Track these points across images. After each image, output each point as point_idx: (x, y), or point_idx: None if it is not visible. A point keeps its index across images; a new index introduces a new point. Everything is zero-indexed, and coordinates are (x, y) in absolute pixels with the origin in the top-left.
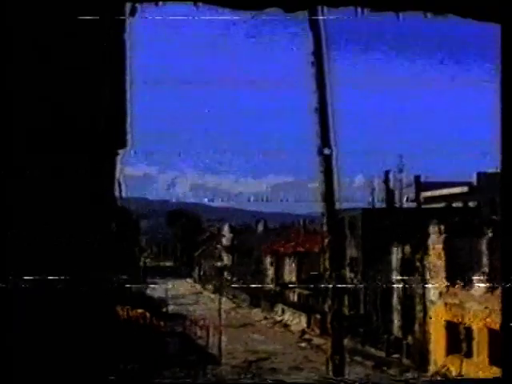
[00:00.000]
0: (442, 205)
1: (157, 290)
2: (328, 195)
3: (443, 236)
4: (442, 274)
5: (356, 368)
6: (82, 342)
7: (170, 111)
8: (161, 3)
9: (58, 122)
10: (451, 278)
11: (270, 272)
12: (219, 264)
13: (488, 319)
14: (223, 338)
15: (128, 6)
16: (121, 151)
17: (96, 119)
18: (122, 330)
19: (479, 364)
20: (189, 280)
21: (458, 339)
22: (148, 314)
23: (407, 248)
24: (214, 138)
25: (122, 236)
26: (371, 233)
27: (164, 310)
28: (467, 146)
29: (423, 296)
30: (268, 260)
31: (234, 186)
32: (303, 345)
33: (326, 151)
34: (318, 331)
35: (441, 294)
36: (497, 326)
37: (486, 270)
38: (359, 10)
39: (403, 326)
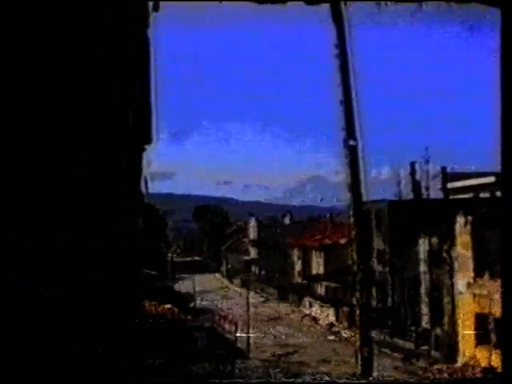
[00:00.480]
0: (468, 195)
1: (185, 284)
2: (354, 187)
3: (470, 227)
4: (470, 265)
5: (385, 360)
6: (110, 338)
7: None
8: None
9: (85, 120)
10: (479, 268)
11: (298, 265)
12: (246, 258)
13: None
14: (251, 331)
15: (151, 2)
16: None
17: (123, 116)
18: (150, 326)
19: None
20: (217, 274)
21: (487, 330)
22: (176, 309)
23: (434, 239)
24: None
25: (150, 231)
26: (398, 224)
27: (192, 304)
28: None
29: (451, 287)
30: (295, 253)
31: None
32: (331, 337)
33: (352, 143)
34: (346, 324)
35: (469, 284)
36: None
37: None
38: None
39: (431, 318)
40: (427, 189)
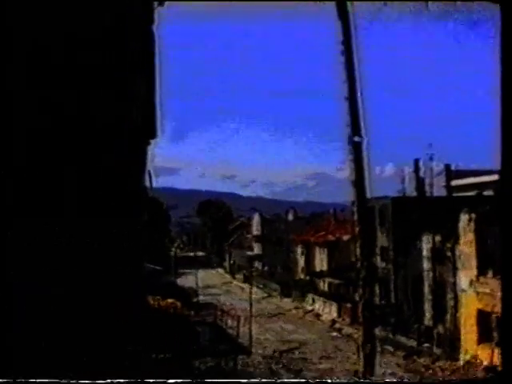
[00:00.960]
0: (472, 193)
1: (188, 279)
2: (358, 184)
3: (474, 224)
4: (473, 263)
5: (387, 357)
6: (114, 332)
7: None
8: None
9: (85, 119)
10: (482, 266)
11: (301, 261)
12: (249, 253)
13: None
14: (254, 327)
15: None
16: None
17: (126, 112)
18: (153, 320)
19: None
20: (219, 270)
21: (490, 328)
22: (179, 304)
23: (438, 237)
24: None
25: (153, 226)
26: (401, 222)
27: (195, 299)
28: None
29: (454, 285)
30: (299, 249)
31: (265, 175)
32: (334, 334)
33: (357, 139)
34: (348, 320)
35: (472, 282)
36: None
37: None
38: None
39: (434, 315)
40: (431, 186)
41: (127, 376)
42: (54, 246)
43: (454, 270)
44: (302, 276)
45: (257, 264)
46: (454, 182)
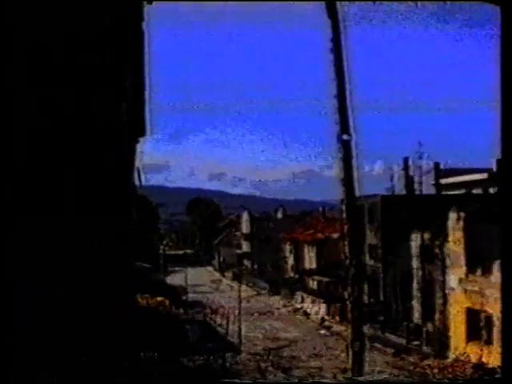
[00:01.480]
0: (461, 191)
1: (177, 277)
2: (347, 182)
3: (463, 223)
4: (462, 261)
5: (376, 355)
6: (102, 330)
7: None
8: None
9: (79, 113)
10: (471, 264)
11: (290, 259)
12: (238, 251)
13: None
14: (243, 325)
15: None
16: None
17: (118, 111)
18: (142, 318)
19: (499, 351)
20: (209, 268)
21: (478, 326)
22: (168, 302)
23: (427, 235)
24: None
25: (142, 224)
26: (390, 220)
27: (184, 297)
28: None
29: (443, 283)
30: (287, 247)
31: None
32: (323, 332)
33: (345, 137)
34: (337, 318)
35: (460, 280)
36: None
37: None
38: None
39: (423, 313)
40: (420, 184)
41: (116, 374)
42: (46, 246)
43: (443, 268)
44: (291, 274)
45: (246, 262)
46: (443, 181)
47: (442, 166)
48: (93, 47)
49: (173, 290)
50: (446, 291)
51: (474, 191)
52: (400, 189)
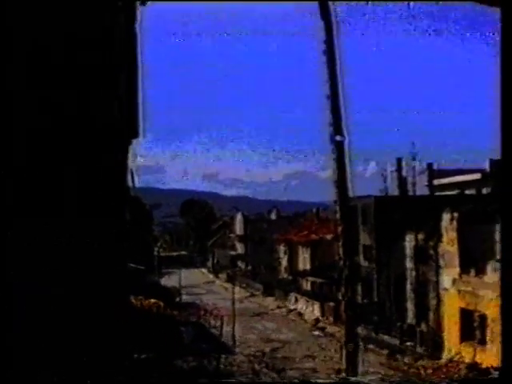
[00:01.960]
0: (454, 192)
1: (171, 279)
2: (340, 183)
3: (456, 223)
4: (456, 262)
5: (370, 356)
6: (97, 331)
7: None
8: None
9: (75, 115)
10: (464, 265)
11: (284, 260)
12: (232, 253)
13: None
14: (237, 326)
15: None
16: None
17: (113, 113)
18: (137, 320)
19: (492, 351)
20: (203, 269)
21: (472, 327)
22: (162, 304)
23: (420, 236)
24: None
25: (137, 225)
26: (384, 220)
27: (178, 299)
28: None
29: (437, 283)
30: (281, 248)
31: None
32: (317, 333)
33: (338, 138)
34: (331, 319)
35: (454, 281)
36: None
37: (499, 256)
38: None
39: (417, 314)
40: (413, 185)
41: (111, 376)
42: (43, 246)
43: (437, 268)
44: (285, 275)
45: (240, 263)
46: (437, 181)
47: (435, 167)
48: (91, 47)
49: (167, 291)
50: (440, 292)
51: (468, 192)
52: (393, 189)
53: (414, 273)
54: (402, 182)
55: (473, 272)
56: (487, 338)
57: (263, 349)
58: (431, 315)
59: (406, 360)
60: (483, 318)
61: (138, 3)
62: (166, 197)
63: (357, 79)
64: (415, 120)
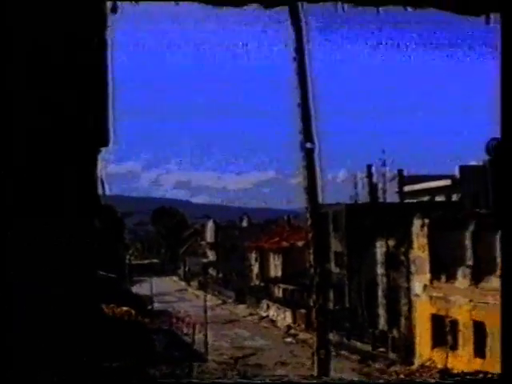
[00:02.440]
0: (425, 198)
1: (142, 287)
2: (311, 190)
3: (427, 229)
4: (427, 268)
5: (342, 362)
6: (68, 340)
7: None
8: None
9: (43, 120)
10: (435, 271)
11: (255, 268)
12: (204, 260)
13: (473, 312)
14: (209, 334)
15: (108, 3)
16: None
17: (79, 118)
18: (108, 328)
19: (464, 356)
20: (174, 277)
21: (443, 332)
22: (133, 312)
23: (391, 242)
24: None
25: (108, 234)
26: (355, 227)
27: (149, 307)
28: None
29: (408, 289)
30: (253, 256)
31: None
32: (289, 340)
33: (309, 145)
34: (303, 326)
35: (425, 287)
36: (481, 319)
37: (470, 263)
38: (339, 4)
39: (389, 320)
40: (384, 192)
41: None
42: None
43: (408, 274)
44: (257, 282)
45: (211, 271)
46: (407, 188)
47: (405, 173)
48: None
49: (138, 299)
50: (411, 297)
51: (438, 198)
52: (364, 196)
53: (385, 279)
54: (372, 188)
55: (443, 278)
56: (459, 343)
57: (235, 356)
58: (403, 321)
59: (378, 366)
60: (454, 323)
61: (108, 9)
62: (138, 205)
63: (329, 86)
64: (387, 126)
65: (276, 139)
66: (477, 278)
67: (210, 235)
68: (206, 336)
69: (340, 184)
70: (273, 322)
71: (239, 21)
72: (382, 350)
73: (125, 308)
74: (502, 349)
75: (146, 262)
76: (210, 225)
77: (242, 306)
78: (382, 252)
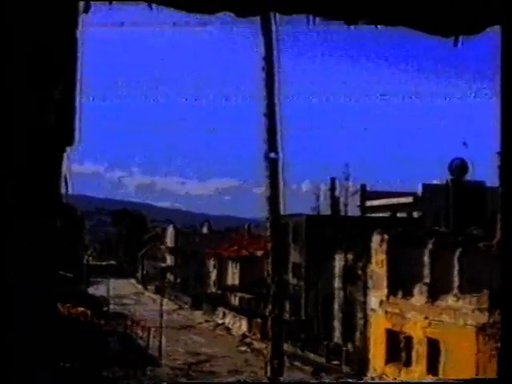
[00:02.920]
0: (386, 214)
1: (99, 288)
2: (272, 200)
3: (386, 245)
4: (384, 283)
5: (295, 373)
6: (23, 339)
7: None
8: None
9: (6, 119)
10: (392, 287)
11: (213, 275)
12: (162, 265)
13: (427, 329)
14: (164, 339)
15: (81, 3)
16: (68, 148)
17: (44, 116)
18: (63, 328)
19: (416, 373)
20: (132, 280)
21: (398, 348)
22: (89, 313)
23: (350, 256)
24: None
25: (67, 233)
26: (315, 239)
27: (105, 308)
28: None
29: (364, 304)
30: (211, 263)
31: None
32: (243, 348)
33: (273, 155)
34: (258, 335)
35: (381, 302)
36: (436, 336)
37: (427, 280)
38: (311, 17)
39: (344, 333)
40: (346, 205)
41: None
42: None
43: (365, 289)
44: (214, 289)
45: (169, 276)
46: (369, 203)
47: (368, 188)
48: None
49: (95, 300)
50: (367, 312)
51: (399, 214)
52: (326, 208)
53: (342, 292)
54: (334, 201)
55: (400, 294)
56: (412, 359)
57: (189, 362)
58: (358, 335)
59: (330, 379)
60: (409, 339)
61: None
62: (100, 205)
63: (299, 96)
64: (351, 140)
65: (242, 148)
66: (433, 295)
67: (170, 240)
68: (160, 341)
69: (303, 194)
70: (228, 329)
71: (210, 30)
72: (335, 362)
73: (81, 308)
74: (499, 352)
75: (104, 263)
76: (171, 229)
77: (198, 313)
78: (340, 265)
